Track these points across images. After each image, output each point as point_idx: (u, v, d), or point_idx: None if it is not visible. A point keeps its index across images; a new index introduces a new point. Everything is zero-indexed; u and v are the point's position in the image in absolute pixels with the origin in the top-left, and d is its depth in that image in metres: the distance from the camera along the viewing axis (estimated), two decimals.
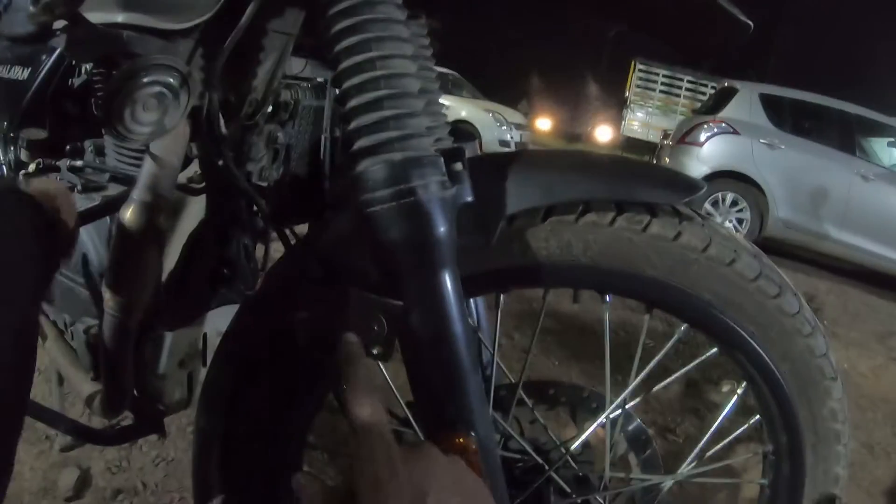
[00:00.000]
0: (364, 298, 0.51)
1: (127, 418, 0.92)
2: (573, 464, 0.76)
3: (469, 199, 0.55)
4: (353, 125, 0.54)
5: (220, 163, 0.69)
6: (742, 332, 0.67)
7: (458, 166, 0.54)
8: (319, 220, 0.92)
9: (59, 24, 0.63)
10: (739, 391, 0.76)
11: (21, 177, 0.65)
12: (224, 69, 0.63)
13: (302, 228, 1.00)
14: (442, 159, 0.54)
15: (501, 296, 0.71)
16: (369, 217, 0.53)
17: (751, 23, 0.66)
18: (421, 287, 0.52)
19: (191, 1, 0.60)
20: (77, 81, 1.01)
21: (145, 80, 0.59)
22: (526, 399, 0.79)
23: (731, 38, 0.69)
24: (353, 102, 0.53)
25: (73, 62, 0.98)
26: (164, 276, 0.81)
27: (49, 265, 0.62)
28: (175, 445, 1.45)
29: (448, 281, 0.52)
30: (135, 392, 0.82)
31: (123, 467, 1.36)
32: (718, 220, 5.45)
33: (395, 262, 0.53)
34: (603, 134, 18.88)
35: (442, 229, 0.52)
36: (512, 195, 0.60)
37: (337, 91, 0.56)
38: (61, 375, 0.98)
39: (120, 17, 0.58)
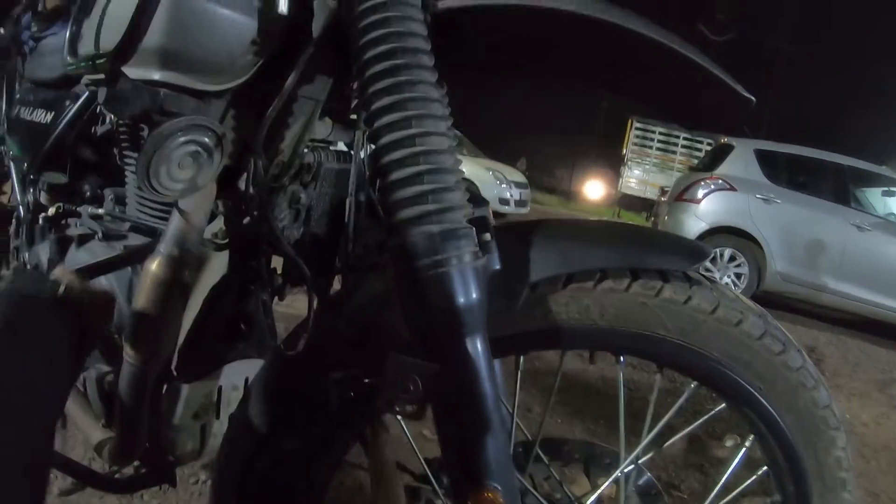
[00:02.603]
0: (401, 360, 0.53)
1: (131, 466, 0.91)
2: None
3: (497, 267, 0.59)
4: (392, 197, 0.57)
5: (252, 220, 0.71)
6: (749, 388, 0.70)
7: (487, 236, 0.58)
8: (344, 282, 0.93)
9: (93, 76, 0.66)
10: (747, 444, 0.78)
11: (65, 282, 0.66)
12: (255, 132, 0.66)
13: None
14: (474, 230, 0.57)
15: (521, 357, 0.73)
16: (409, 284, 0.56)
17: (753, 98, 0.69)
18: (456, 351, 0.55)
19: (227, 65, 0.63)
20: (100, 130, 1.03)
21: (182, 139, 0.62)
22: (542, 456, 0.80)
23: (732, 111, 0.72)
24: (393, 176, 0.56)
25: (98, 110, 1.00)
26: (184, 328, 0.82)
27: (72, 374, 0.64)
28: (177, 496, 1.43)
29: (480, 345, 0.55)
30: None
31: None
32: (717, 275, 5.49)
33: (432, 326, 0.55)
34: (600, 191, 19.02)
35: (475, 296, 0.55)
36: (535, 263, 0.64)
37: (368, 158, 0.59)
38: (65, 417, 0.97)
39: (157, 76, 0.61)
